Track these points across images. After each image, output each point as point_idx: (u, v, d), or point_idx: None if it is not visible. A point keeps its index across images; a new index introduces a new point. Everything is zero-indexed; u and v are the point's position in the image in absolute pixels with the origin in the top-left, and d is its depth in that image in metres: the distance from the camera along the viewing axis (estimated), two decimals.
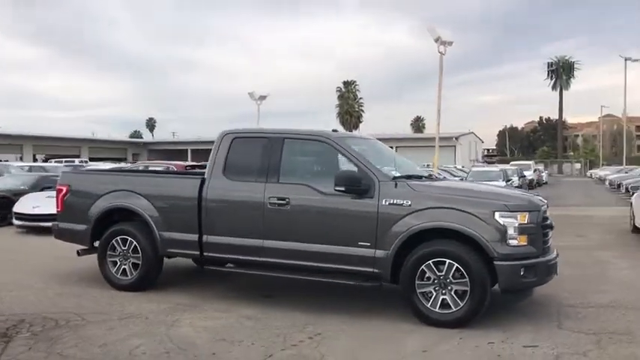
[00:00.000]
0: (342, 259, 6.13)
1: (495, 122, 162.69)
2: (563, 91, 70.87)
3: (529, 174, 33.80)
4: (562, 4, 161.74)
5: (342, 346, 5.25)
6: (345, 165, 6.49)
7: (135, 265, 7.16)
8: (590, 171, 62.64)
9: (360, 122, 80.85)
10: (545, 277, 5.87)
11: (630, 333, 5.59)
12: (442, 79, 21.46)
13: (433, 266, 5.77)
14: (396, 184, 6.04)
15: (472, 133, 62.82)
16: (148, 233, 7.09)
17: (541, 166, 50.92)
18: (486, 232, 5.63)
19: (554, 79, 70.99)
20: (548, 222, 6.11)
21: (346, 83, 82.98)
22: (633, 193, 23.36)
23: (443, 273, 5.74)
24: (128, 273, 7.19)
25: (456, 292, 5.70)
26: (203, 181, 6.85)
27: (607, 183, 37.54)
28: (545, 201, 6.42)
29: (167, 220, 6.95)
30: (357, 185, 6.01)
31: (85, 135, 69.86)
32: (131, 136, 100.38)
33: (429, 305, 5.79)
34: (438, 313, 5.75)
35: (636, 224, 12.97)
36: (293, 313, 6.26)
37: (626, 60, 44.36)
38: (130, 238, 7.16)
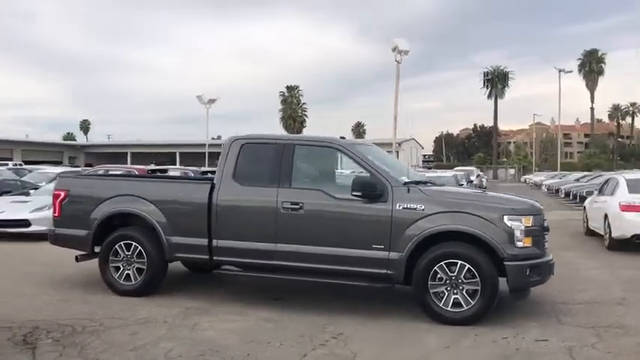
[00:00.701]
0: (355, 261, 6.37)
1: (431, 129, 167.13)
2: (498, 99, 73.82)
3: (474, 179, 35.08)
4: (492, 16, 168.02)
5: (368, 344, 5.48)
6: (355, 171, 6.75)
7: (139, 270, 7.14)
8: (524, 176, 65.48)
9: (304, 127, 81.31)
10: (546, 277, 6.31)
11: (623, 326, 6.10)
12: (398, 86, 22.02)
13: (445, 267, 6.10)
14: (408, 189, 6.35)
15: (413, 139, 64.47)
16: (154, 238, 7.11)
17: (480, 172, 52.81)
18: (496, 234, 6.01)
19: (489, 88, 73.85)
20: (546, 225, 6.57)
21: (289, 88, 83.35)
22: (577, 197, 24.86)
23: (455, 273, 6.07)
24: (132, 278, 7.17)
25: (467, 291, 6.06)
26: (212, 186, 6.94)
27: (544, 188, 39.44)
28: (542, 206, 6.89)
29: (175, 224, 6.99)
30: (372, 190, 6.28)
31: (18, 137, 66.99)
32: (64, 139, 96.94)
33: (441, 304, 6.11)
34: (450, 312, 6.08)
35: (590, 227, 13.84)
36: (307, 314, 6.44)
37: (560, 71, 46.77)
38: (134, 243, 7.14)
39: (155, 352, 5.17)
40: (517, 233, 6.04)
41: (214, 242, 6.85)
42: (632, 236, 10.82)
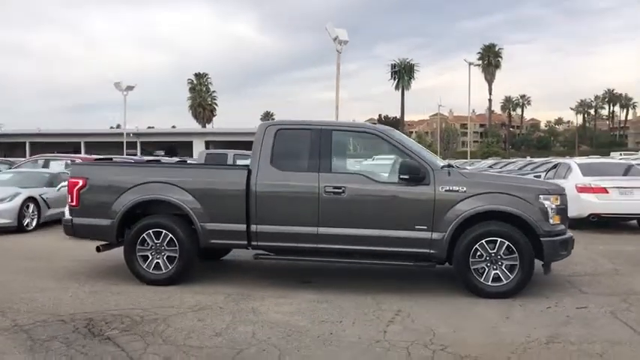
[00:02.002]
0: (399, 242, 6.65)
1: (338, 118, 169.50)
2: (405, 90, 76.49)
3: None
4: (393, 8, 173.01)
5: (434, 319, 5.76)
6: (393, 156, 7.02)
7: (170, 259, 7.01)
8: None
9: (214, 115, 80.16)
10: (570, 251, 6.90)
11: (637, 292, 6.82)
12: (339, 76, 22.35)
13: (485, 245, 6.52)
14: (449, 172, 6.70)
15: None
16: (186, 225, 7.01)
17: None
18: (534, 213, 6.51)
19: (397, 80, 76.32)
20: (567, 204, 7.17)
21: (198, 75, 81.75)
22: None
23: (494, 250, 6.51)
24: (162, 267, 7.02)
25: (505, 266, 6.52)
26: (249, 172, 6.93)
27: None
28: None
29: (209, 211, 6.91)
30: (417, 174, 6.57)
31: None
32: None
33: (482, 280, 6.54)
34: (491, 286, 6.52)
35: None
36: (351, 295, 6.63)
37: (469, 64, 49.31)
38: (164, 231, 6.99)
39: (241, 336, 5.18)
40: (550, 211, 6.57)
41: (253, 227, 6.86)
42: (589, 215, 11.88)
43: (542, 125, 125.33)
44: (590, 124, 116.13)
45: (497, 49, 79.94)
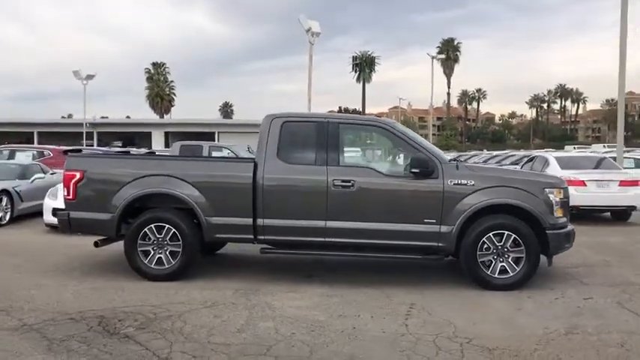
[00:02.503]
0: (407, 235, 6.66)
1: (294, 110, 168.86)
2: (366, 83, 76.93)
3: None
4: (351, 0, 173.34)
5: (450, 312, 5.79)
6: (399, 149, 7.02)
7: (173, 254, 6.85)
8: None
9: (172, 106, 78.77)
10: (572, 243, 7.05)
11: (633, 283, 7.03)
12: (312, 67, 22.27)
13: (493, 238, 6.60)
14: (457, 166, 6.74)
15: None
16: (189, 219, 6.86)
17: None
18: (539, 206, 6.62)
19: (358, 72, 76.65)
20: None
21: (155, 65, 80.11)
22: None
23: (501, 243, 6.60)
24: (165, 262, 6.85)
25: (512, 259, 6.62)
26: (255, 166, 6.82)
27: None
28: None
29: (214, 205, 6.78)
30: (427, 167, 6.59)
31: None
32: None
33: (489, 272, 6.62)
34: (499, 279, 6.61)
35: None
36: (361, 288, 6.62)
37: (432, 57, 49.84)
38: (167, 225, 6.82)
39: (265, 332, 5.10)
40: (554, 204, 6.70)
41: (260, 221, 6.76)
42: None
43: (497, 119, 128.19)
44: (542, 117, 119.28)
45: (456, 43, 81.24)
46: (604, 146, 55.87)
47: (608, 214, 13.33)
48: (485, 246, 6.62)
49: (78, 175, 6.93)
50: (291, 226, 6.74)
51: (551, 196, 6.69)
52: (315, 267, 7.74)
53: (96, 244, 7.18)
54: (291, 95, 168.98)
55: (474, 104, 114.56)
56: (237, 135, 50.86)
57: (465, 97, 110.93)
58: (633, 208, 12.64)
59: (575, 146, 59.26)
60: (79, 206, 6.96)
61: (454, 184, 6.62)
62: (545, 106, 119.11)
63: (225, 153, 17.26)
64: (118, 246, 7.30)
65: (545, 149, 48.79)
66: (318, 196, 6.70)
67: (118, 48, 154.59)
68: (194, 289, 6.55)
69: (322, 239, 6.76)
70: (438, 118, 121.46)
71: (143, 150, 20.57)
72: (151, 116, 74.98)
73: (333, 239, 6.75)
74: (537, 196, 6.65)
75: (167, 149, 24.08)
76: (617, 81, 15.11)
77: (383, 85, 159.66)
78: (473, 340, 4.96)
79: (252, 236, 6.83)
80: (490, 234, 6.60)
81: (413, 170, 6.56)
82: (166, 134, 56.35)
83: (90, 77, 36.51)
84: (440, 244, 6.66)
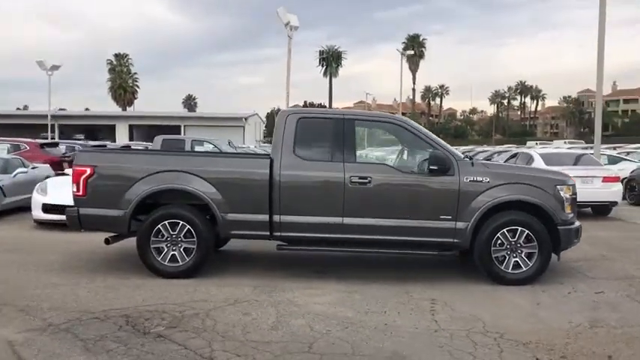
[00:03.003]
0: (424, 231, 6.73)
1: (259, 104, 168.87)
2: (333, 78, 76.97)
3: None
4: None
5: (470, 307, 5.88)
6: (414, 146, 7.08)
7: (187, 251, 6.76)
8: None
9: (135, 98, 77.34)
10: (580, 239, 7.23)
11: (636, 277, 7.27)
12: (290, 61, 22.17)
13: (506, 233, 6.73)
14: (472, 163, 6.84)
15: (256, 114, 64.71)
16: (203, 215, 6.78)
17: None
18: (552, 202, 6.78)
19: (325, 67, 76.67)
20: None
21: (118, 56, 78.37)
22: None
23: (515, 239, 6.74)
24: (179, 259, 6.75)
25: (525, 254, 6.76)
26: (271, 161, 6.78)
27: None
28: None
29: (230, 201, 6.71)
30: (444, 164, 6.67)
31: None
32: None
33: (502, 267, 6.75)
34: (512, 274, 6.74)
35: None
36: (376, 284, 6.67)
37: (401, 54, 50.20)
38: (182, 222, 6.72)
39: (300, 329, 5.10)
40: (565, 201, 6.87)
41: (276, 217, 6.73)
42: None
43: (459, 115, 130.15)
44: (503, 114, 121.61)
45: (421, 39, 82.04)
46: (565, 142, 57.31)
47: (589, 209, 13.71)
48: (499, 242, 6.74)
49: (88, 171, 6.76)
50: (308, 223, 6.73)
51: (562, 193, 6.85)
52: (325, 263, 7.76)
53: (107, 242, 7.03)
54: (256, 88, 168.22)
55: (437, 100, 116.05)
56: (205, 129, 50.30)
57: (429, 93, 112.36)
58: (615, 203, 13.05)
59: (537, 142, 60.55)
60: (89, 203, 6.80)
61: (470, 180, 6.71)
62: (505, 102, 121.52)
63: (208, 147, 17.07)
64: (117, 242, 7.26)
65: (507, 145, 49.74)
66: (335, 192, 6.71)
67: (77, 38, 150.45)
68: (211, 286, 6.48)
69: (339, 235, 6.77)
70: (403, 114, 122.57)
71: (110, 144, 20.08)
72: (115, 109, 73.51)
73: (350, 235, 6.77)
74: (549, 193, 6.80)
75: (145, 143, 23.54)
76: (596, 80, 15.55)
77: (346, 80, 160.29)
78: (504, 334, 5.06)
79: (268, 233, 6.80)
80: (504, 230, 6.72)
81: (432, 167, 6.62)
82: (131, 127, 55.37)
83: (55, 68, 35.45)
84: (455, 240, 6.75)
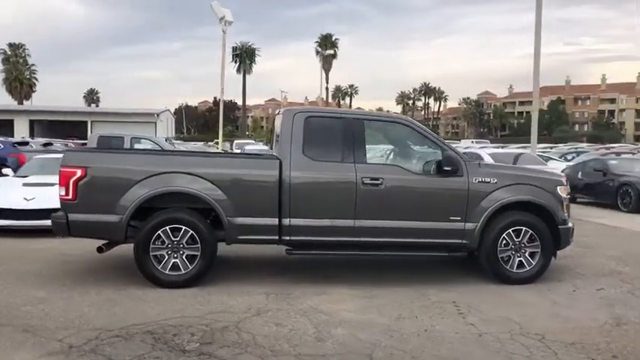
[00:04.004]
0: (434, 233, 6.69)
1: (164, 99, 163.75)
2: (246, 74, 76.15)
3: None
4: None
5: (494, 309, 5.89)
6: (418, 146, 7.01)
7: (190, 258, 6.31)
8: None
9: (33, 91, 72.58)
10: (573, 238, 7.44)
11: (621, 272, 7.61)
12: (225, 55, 21.59)
13: (512, 233, 6.82)
14: (479, 164, 6.87)
15: (168, 110, 62.70)
16: (205, 219, 6.36)
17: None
18: (553, 202, 6.94)
19: (238, 63, 75.65)
20: None
21: (13, 46, 73.19)
22: None
23: (519, 239, 6.84)
24: (181, 267, 6.29)
25: (529, 254, 6.88)
26: (280, 162, 6.47)
27: None
28: None
29: (238, 204, 6.33)
30: (455, 165, 6.65)
31: None
32: None
33: (508, 267, 6.84)
34: (516, 273, 6.84)
35: None
36: (389, 287, 6.55)
37: (321, 53, 50.45)
38: (184, 227, 6.26)
39: (347, 339, 4.87)
40: (563, 201, 7.06)
41: (286, 221, 6.42)
42: None
43: None
44: (408, 113, 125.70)
45: (334, 39, 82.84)
46: (472, 142, 59.91)
47: None
48: (504, 242, 6.81)
49: (79, 173, 6.13)
50: (319, 226, 6.48)
51: (561, 193, 7.04)
52: (328, 266, 7.52)
53: (100, 250, 6.43)
54: (160, 82, 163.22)
55: (347, 99, 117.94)
56: (114, 124, 47.95)
57: (339, 93, 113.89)
58: None
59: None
60: (80, 208, 6.17)
61: (478, 181, 6.73)
62: (411, 102, 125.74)
63: (147, 145, 16.18)
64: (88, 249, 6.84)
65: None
66: (347, 194, 6.51)
67: None
68: (221, 295, 6.09)
69: (351, 239, 6.58)
70: None
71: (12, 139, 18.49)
72: (9, 102, 68.55)
73: (361, 238, 6.60)
74: (551, 193, 6.96)
75: (44, 140, 21.72)
76: (532, 80, 16.28)
77: (256, 77, 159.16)
78: (545, 335, 5.08)
79: (276, 237, 6.48)
80: (510, 230, 6.80)
81: (446, 168, 6.57)
82: (32, 122, 51.89)
83: None
84: (464, 241, 6.75)
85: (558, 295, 6.46)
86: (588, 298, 6.37)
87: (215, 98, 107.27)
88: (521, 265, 6.86)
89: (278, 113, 7.75)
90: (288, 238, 6.49)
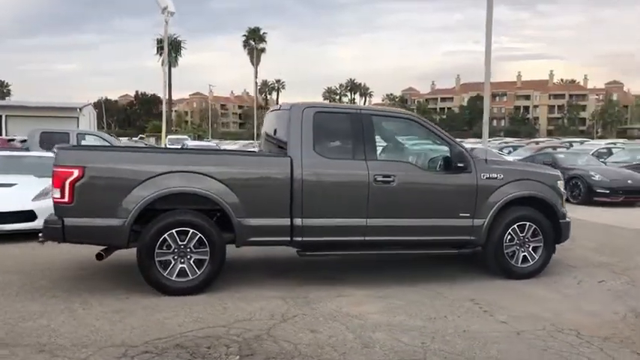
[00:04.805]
0: (444, 230, 6.60)
1: (79, 92, 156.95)
2: (172, 67, 73.84)
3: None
4: None
5: (516, 305, 5.86)
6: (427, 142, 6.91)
7: (198, 262, 5.91)
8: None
9: None
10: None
11: (611, 264, 7.83)
12: (167, 47, 20.74)
13: (517, 229, 6.85)
14: (486, 160, 6.84)
15: (90, 104, 59.94)
16: (216, 221, 5.98)
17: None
18: (555, 197, 7.03)
19: (163, 56, 73.21)
20: None
21: None
22: None
23: (524, 234, 6.88)
24: (189, 272, 5.88)
25: (532, 248, 6.94)
26: (291, 160, 6.17)
27: None
28: None
29: (249, 204, 5.98)
30: (467, 161, 6.58)
31: None
32: None
33: (513, 262, 6.86)
34: (521, 268, 6.88)
35: None
36: (401, 287, 6.39)
37: (255, 48, 49.68)
38: (192, 230, 5.85)
39: (394, 344, 4.67)
40: (562, 196, 7.17)
41: (298, 221, 6.13)
42: None
43: None
44: None
45: (262, 33, 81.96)
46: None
47: None
48: (509, 237, 6.83)
49: (76, 173, 5.58)
50: (332, 226, 6.24)
51: (560, 188, 7.14)
52: (330, 267, 7.25)
53: (99, 257, 5.89)
54: (74, 75, 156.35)
55: (274, 94, 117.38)
56: (33, 119, 45.24)
57: (266, 87, 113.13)
58: None
59: None
60: (77, 211, 5.61)
61: (486, 177, 6.70)
62: (337, 98, 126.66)
63: (93, 140, 15.21)
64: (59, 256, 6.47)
65: None
66: (360, 192, 6.29)
67: None
68: (237, 301, 5.73)
69: (362, 238, 6.38)
70: (239, 107, 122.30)
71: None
72: None
73: (373, 237, 6.41)
74: (553, 188, 7.04)
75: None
76: (484, 76, 16.63)
77: (181, 70, 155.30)
78: (581, 330, 5.10)
79: (288, 238, 6.18)
80: (515, 225, 6.82)
81: (458, 165, 6.49)
82: None
83: None
84: (472, 238, 6.70)
85: (566, 288, 6.54)
86: (596, 291, 6.48)
87: (137, 92, 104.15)
88: (525, 259, 6.89)
89: (273, 110, 7.43)
90: (299, 239, 6.20)
